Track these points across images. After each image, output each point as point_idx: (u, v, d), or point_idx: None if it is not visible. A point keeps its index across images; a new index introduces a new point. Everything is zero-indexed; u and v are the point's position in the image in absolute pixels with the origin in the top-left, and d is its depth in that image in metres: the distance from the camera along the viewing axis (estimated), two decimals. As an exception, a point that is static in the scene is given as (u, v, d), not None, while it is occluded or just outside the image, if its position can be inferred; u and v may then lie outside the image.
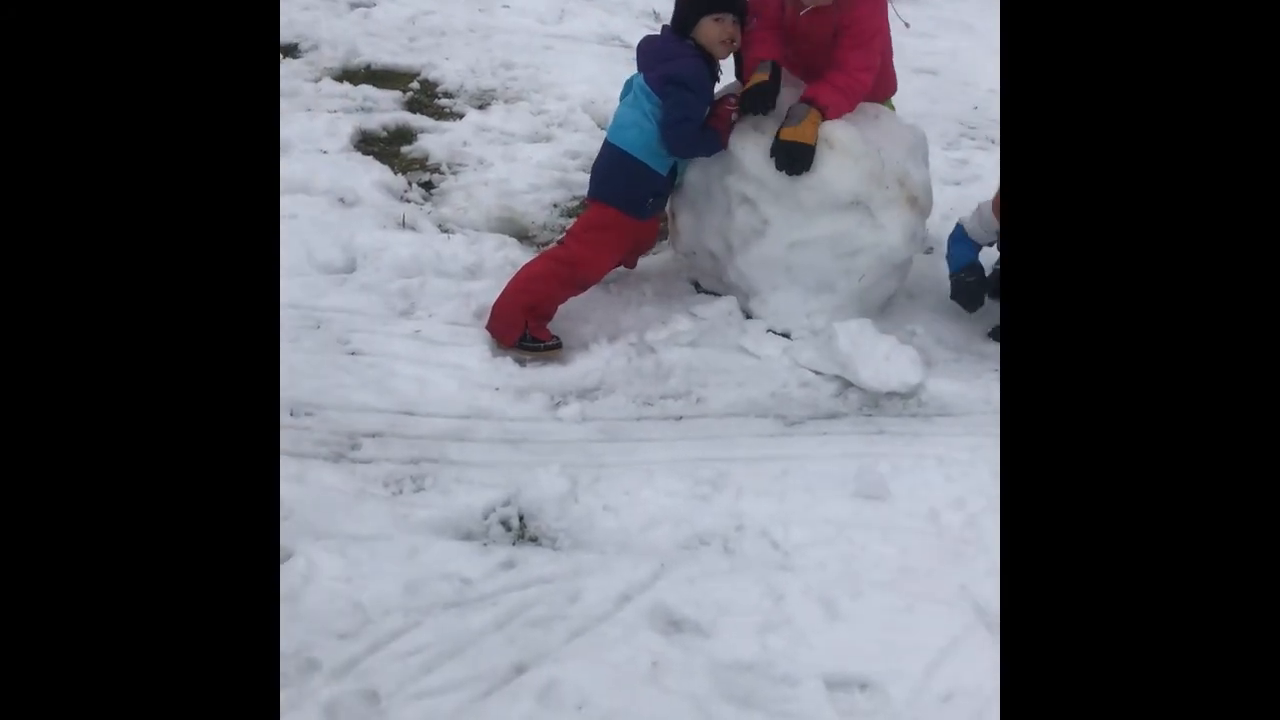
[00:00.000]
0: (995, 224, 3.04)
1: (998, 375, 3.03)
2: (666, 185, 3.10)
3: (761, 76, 2.94)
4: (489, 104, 4.46)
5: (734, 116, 3.03)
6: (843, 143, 2.91)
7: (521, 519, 2.46)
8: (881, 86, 3.30)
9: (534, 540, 2.41)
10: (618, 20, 5.42)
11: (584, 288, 3.11)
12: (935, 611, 2.24)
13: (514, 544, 2.39)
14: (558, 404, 2.83)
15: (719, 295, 3.25)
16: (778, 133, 2.90)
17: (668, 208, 3.31)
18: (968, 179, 4.15)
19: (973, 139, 4.61)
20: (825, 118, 2.94)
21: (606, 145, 3.08)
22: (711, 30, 2.95)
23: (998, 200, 2.99)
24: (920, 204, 3.07)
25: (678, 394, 2.91)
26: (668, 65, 2.94)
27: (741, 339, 3.10)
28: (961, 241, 3.17)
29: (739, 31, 2.99)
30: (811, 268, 3.05)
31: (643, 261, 3.50)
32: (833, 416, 2.88)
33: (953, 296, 3.19)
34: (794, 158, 2.88)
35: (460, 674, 2.03)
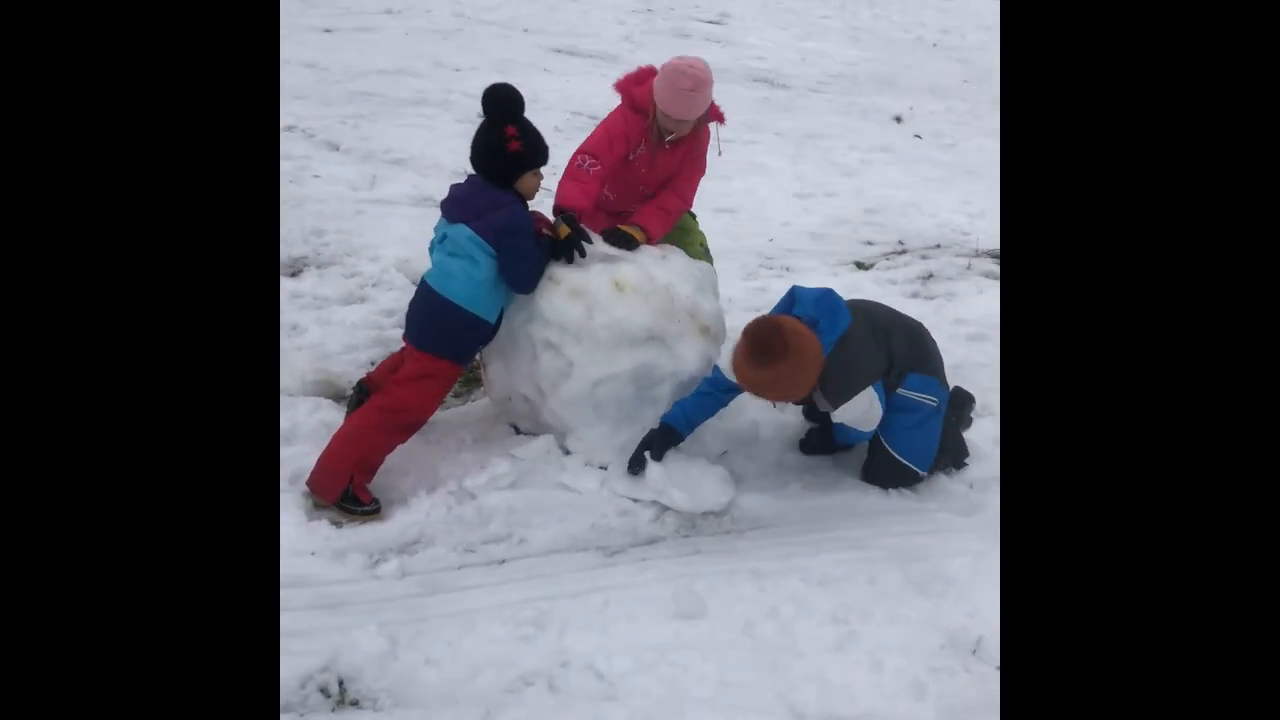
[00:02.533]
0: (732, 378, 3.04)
1: (803, 485, 3.20)
2: (493, 331, 3.19)
3: (566, 230, 3.15)
4: (301, 271, 4.51)
5: (545, 230, 3.19)
6: (633, 284, 3.11)
7: (341, 684, 2.41)
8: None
9: (354, 704, 2.36)
10: (430, 182, 5.60)
11: (413, 431, 3.15)
12: (755, 722, 2.30)
13: (333, 710, 2.34)
14: (376, 562, 2.82)
15: (538, 435, 3.33)
16: (615, 225, 3.31)
17: (480, 356, 3.41)
18: (766, 305, 4.41)
19: (770, 268, 4.94)
20: (650, 241, 3.35)
21: (430, 294, 3.11)
22: (530, 182, 3.14)
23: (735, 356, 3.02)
24: (712, 332, 3.28)
25: (499, 537, 2.95)
26: (497, 216, 3.03)
27: (561, 475, 3.17)
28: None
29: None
30: (618, 401, 3.19)
31: (461, 409, 3.56)
32: (652, 542, 2.97)
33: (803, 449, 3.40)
34: (626, 241, 3.30)
35: None
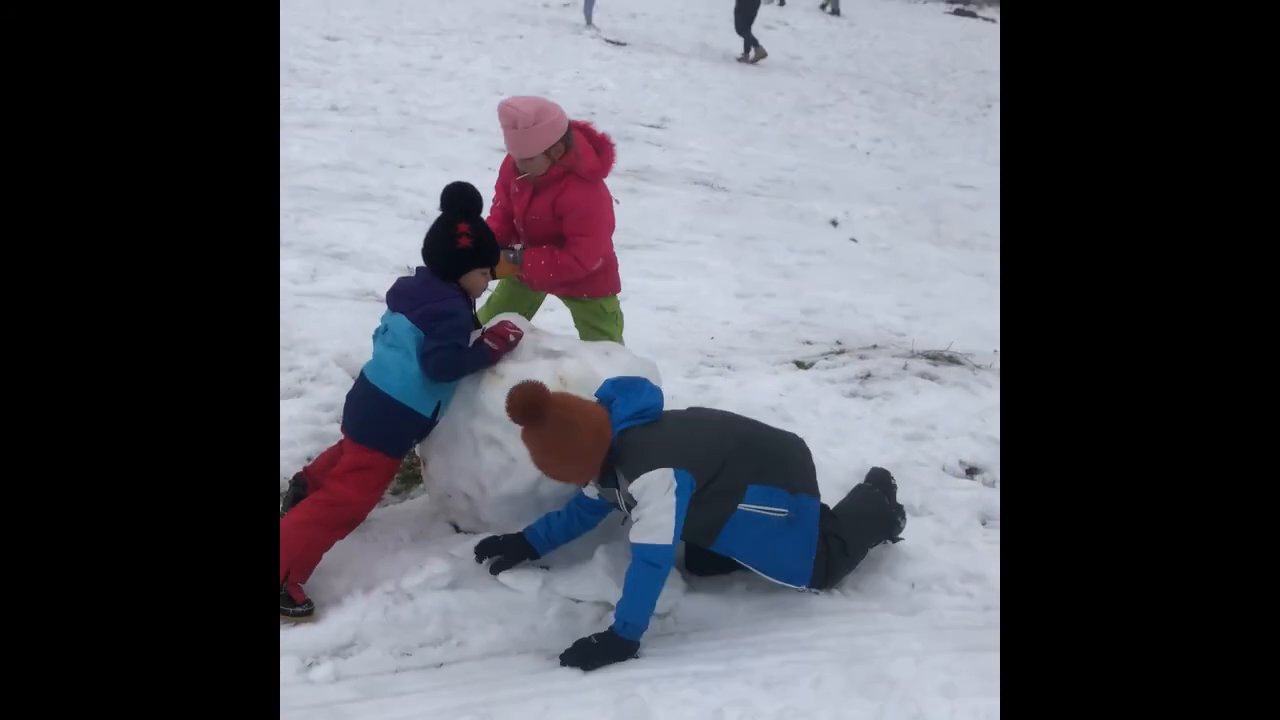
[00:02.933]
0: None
1: (747, 585, 3.18)
2: (429, 424, 3.16)
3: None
4: (238, 364, 4.44)
5: (511, 338, 3.20)
6: (577, 379, 3.12)
7: (267, 798, 2.29)
8: (603, 282, 3.75)
9: (281, 819, 2.25)
10: (372, 276, 5.60)
11: (352, 527, 3.10)
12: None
13: (258, 827, 2.22)
14: (309, 665, 2.72)
15: (478, 534, 3.28)
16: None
17: (419, 453, 3.37)
18: (709, 402, 4.46)
19: (711, 366, 4.99)
20: (523, 276, 3.55)
21: (365, 385, 3.12)
22: (477, 280, 3.20)
23: None
24: (657, 430, 3.28)
25: (437, 640, 2.87)
26: (440, 304, 3.05)
27: (501, 576, 3.12)
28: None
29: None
30: (560, 498, 3.16)
31: (399, 507, 3.50)
32: (593, 644, 2.91)
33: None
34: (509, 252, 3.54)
35: None
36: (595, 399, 2.97)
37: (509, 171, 3.62)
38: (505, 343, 3.19)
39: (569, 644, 2.86)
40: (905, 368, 4.99)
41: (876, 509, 3.34)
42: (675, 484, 2.75)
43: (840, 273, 6.87)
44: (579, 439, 2.78)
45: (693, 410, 3.19)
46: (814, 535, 3.03)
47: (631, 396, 2.94)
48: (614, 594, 3.00)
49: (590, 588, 3.05)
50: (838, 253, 7.36)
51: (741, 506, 2.91)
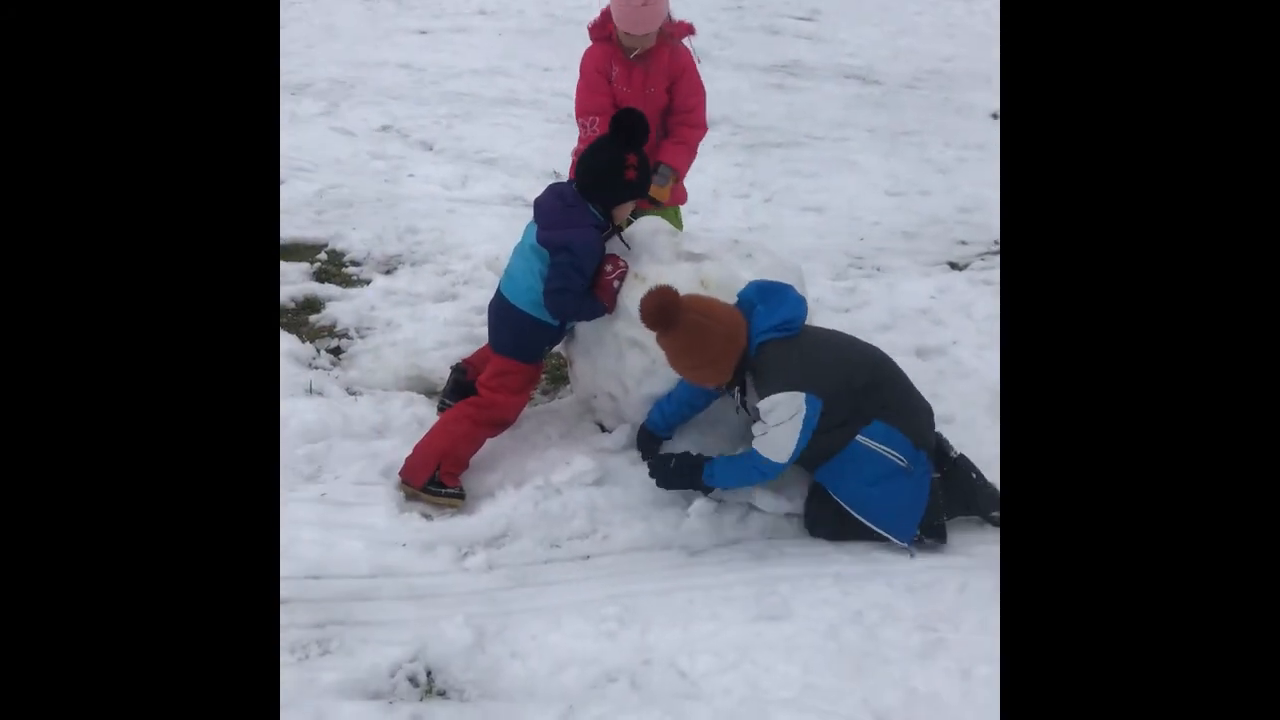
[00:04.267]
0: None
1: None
2: (559, 333, 3.23)
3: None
4: (395, 269, 4.62)
5: (616, 284, 3.13)
6: (718, 282, 3.09)
7: (429, 674, 2.47)
8: (679, 189, 3.77)
9: (442, 694, 2.41)
10: (519, 182, 5.67)
11: (503, 426, 3.23)
12: (839, 727, 2.27)
13: (421, 699, 2.39)
14: (465, 555, 2.87)
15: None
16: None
17: (565, 354, 3.45)
18: (856, 306, 4.37)
19: (860, 268, 4.87)
20: (679, 178, 3.63)
21: (499, 298, 3.23)
22: (627, 209, 3.19)
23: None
24: (799, 332, 3.24)
25: (584, 533, 2.98)
26: (565, 232, 3.03)
27: (645, 474, 3.18)
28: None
29: None
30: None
31: (548, 406, 3.61)
32: (735, 543, 2.96)
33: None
34: (653, 203, 3.54)
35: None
36: (736, 301, 2.95)
37: (607, 59, 3.53)
38: (612, 292, 3.13)
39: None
40: (1068, 268, 4.72)
41: (970, 488, 3.02)
42: (805, 410, 2.73)
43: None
44: (711, 343, 2.78)
45: (836, 334, 3.07)
46: (926, 494, 2.86)
47: (774, 305, 2.88)
48: (755, 497, 3.03)
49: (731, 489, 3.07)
50: (998, 148, 6.98)
51: (860, 439, 2.83)
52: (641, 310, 2.76)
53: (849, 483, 2.87)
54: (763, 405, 2.79)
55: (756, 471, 2.87)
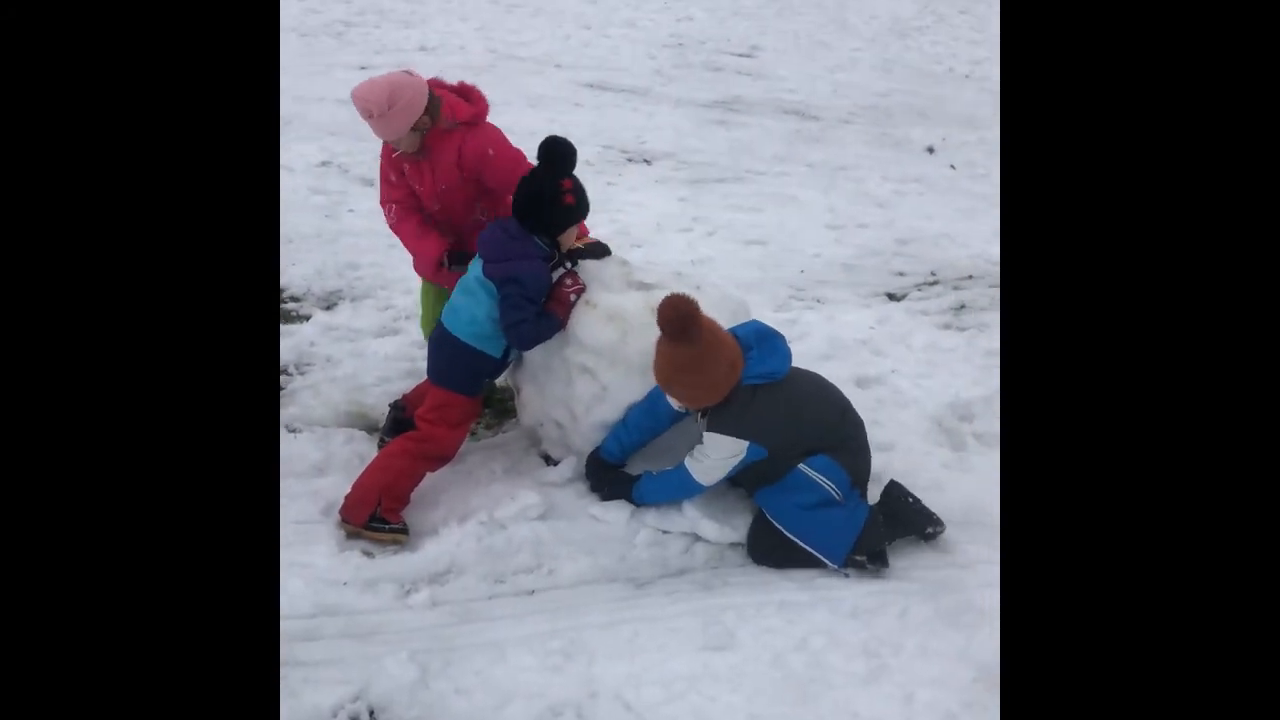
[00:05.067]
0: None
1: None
2: (501, 365, 3.23)
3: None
4: (335, 304, 4.58)
5: (573, 298, 3.18)
6: (662, 313, 3.12)
7: (371, 713, 2.43)
8: None
9: (385, 733, 2.38)
10: (463, 216, 5.67)
11: (442, 461, 3.20)
12: (785, 755, 2.28)
13: (363, 739, 2.35)
14: (408, 591, 2.84)
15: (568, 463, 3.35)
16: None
17: (512, 383, 3.45)
18: (798, 336, 4.42)
19: (801, 300, 4.94)
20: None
21: (439, 328, 3.22)
22: (573, 234, 3.19)
23: None
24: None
25: (529, 568, 2.96)
26: (512, 264, 3.05)
27: (590, 507, 3.18)
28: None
29: None
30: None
31: (493, 440, 3.59)
32: (681, 573, 2.97)
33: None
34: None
35: None
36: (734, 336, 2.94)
37: (389, 159, 3.37)
38: (569, 305, 3.17)
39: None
40: (1002, 298, 4.84)
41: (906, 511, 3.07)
42: (744, 456, 2.88)
43: (936, 201, 6.67)
44: (718, 366, 2.80)
45: (812, 384, 3.07)
46: (859, 524, 2.91)
47: (766, 354, 2.92)
48: (700, 527, 3.05)
49: (678, 520, 3.09)
50: (934, 181, 7.14)
51: (802, 467, 2.90)
52: (661, 313, 2.74)
53: (786, 506, 2.92)
54: (708, 437, 2.88)
55: (683, 486, 3.01)
